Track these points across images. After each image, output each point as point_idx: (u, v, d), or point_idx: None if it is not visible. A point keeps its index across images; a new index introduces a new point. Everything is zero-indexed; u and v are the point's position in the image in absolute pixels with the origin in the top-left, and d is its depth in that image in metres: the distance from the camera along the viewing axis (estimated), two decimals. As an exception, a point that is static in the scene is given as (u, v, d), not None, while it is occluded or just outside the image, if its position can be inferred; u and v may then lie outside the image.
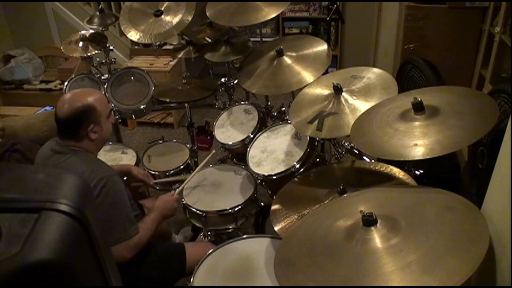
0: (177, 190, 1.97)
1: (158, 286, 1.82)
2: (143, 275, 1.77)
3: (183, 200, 2.08)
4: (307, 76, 1.96)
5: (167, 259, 1.85)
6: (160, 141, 2.66)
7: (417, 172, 1.54)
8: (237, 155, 2.33)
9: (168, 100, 2.48)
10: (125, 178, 2.18)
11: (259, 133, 2.13)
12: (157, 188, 2.44)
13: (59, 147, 1.64)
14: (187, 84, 2.47)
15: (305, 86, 1.92)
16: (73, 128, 1.62)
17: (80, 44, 2.70)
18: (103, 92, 2.60)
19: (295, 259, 1.17)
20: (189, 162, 2.45)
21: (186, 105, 2.58)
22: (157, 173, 2.37)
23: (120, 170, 2.09)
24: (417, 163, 1.48)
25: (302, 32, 4.29)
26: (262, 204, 2.08)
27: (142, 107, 2.61)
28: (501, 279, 1.08)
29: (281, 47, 2.10)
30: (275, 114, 2.35)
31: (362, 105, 1.64)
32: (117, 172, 1.71)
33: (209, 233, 2.12)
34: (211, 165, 2.34)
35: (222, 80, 2.60)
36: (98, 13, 2.78)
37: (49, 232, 0.69)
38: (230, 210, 1.95)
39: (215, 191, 2.12)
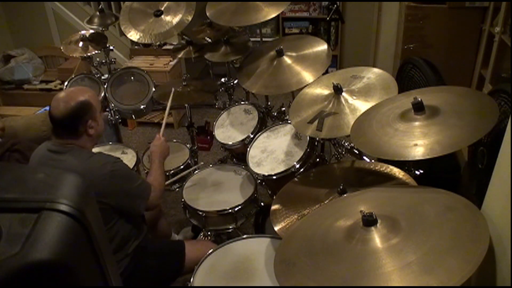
0: (161, 131, 2.12)
1: (157, 282, 1.83)
2: (142, 271, 1.78)
3: (183, 199, 2.08)
4: (307, 76, 1.96)
5: (166, 255, 1.86)
6: (160, 141, 2.65)
7: (417, 172, 1.54)
8: (237, 155, 2.33)
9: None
10: None
11: (259, 133, 2.13)
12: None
13: (56, 146, 1.65)
14: (187, 86, 2.47)
15: (305, 86, 1.92)
16: (72, 125, 1.63)
17: (80, 44, 2.69)
18: (103, 92, 2.61)
19: (295, 259, 1.17)
20: (189, 162, 2.45)
21: (186, 105, 2.58)
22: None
23: None
24: (417, 163, 1.48)
25: (302, 32, 4.29)
26: (262, 204, 2.08)
27: (142, 107, 2.61)
28: (501, 279, 1.08)
29: (281, 47, 2.10)
30: (275, 114, 2.35)
31: (362, 105, 1.64)
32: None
33: (209, 233, 2.13)
34: (211, 165, 2.34)
35: (222, 80, 2.60)
36: (98, 13, 2.78)
37: (49, 232, 0.69)
38: (230, 210, 1.96)
39: (215, 191, 2.12)
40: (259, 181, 2.02)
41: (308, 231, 1.28)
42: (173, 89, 2.31)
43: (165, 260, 1.85)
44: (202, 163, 2.40)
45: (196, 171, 2.30)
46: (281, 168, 1.86)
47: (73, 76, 2.69)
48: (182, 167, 2.40)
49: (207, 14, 2.28)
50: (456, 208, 1.11)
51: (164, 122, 2.22)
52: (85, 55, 2.67)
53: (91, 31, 2.77)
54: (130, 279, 1.74)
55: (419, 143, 1.24)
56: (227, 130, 2.28)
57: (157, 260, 1.82)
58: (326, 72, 1.98)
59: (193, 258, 1.80)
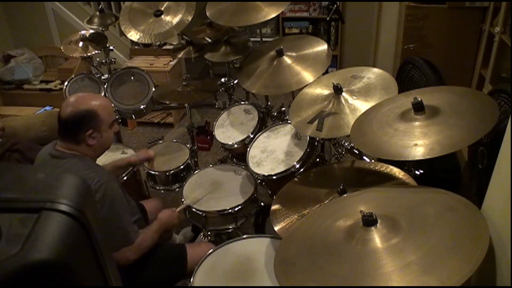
0: (180, 208, 2.00)
1: (158, 286, 1.82)
2: (144, 276, 1.77)
3: (183, 199, 2.08)
4: (307, 76, 1.96)
5: (168, 260, 1.85)
6: (160, 141, 2.66)
7: (417, 172, 1.54)
8: (237, 155, 2.33)
9: (168, 103, 2.48)
10: (125, 178, 2.19)
11: (259, 133, 2.13)
12: (158, 188, 2.44)
13: (57, 152, 1.63)
14: (187, 86, 2.47)
15: (305, 86, 1.92)
16: (72, 130, 1.61)
17: (80, 44, 2.70)
18: (103, 92, 2.61)
19: (295, 259, 1.17)
20: (189, 162, 2.45)
21: (186, 105, 2.58)
22: (157, 173, 2.36)
23: (120, 165, 2.11)
24: (417, 163, 1.48)
25: (302, 32, 4.29)
26: (262, 204, 2.09)
27: (142, 107, 2.62)
28: (501, 279, 1.08)
29: (281, 47, 2.10)
30: (275, 114, 2.35)
31: (362, 105, 1.64)
32: (115, 177, 1.70)
33: (209, 233, 2.13)
34: (211, 165, 2.34)
35: (222, 80, 2.60)
36: (98, 13, 2.78)
37: (49, 232, 0.69)
38: (230, 210, 1.96)
39: (215, 191, 2.12)
40: (259, 181, 2.02)
41: (308, 231, 1.28)
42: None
43: (167, 264, 1.84)
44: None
45: (196, 171, 2.30)
46: (281, 168, 1.86)
47: (73, 76, 2.69)
48: (182, 167, 2.40)
49: (207, 14, 2.28)
50: (456, 208, 1.11)
51: (183, 206, 2.04)
52: (85, 55, 2.67)
53: (91, 31, 2.77)
54: (133, 283, 1.74)
55: (419, 143, 1.24)
56: (227, 130, 2.28)
57: (159, 265, 1.81)
58: (326, 72, 1.98)
59: (194, 261, 1.79)
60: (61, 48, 2.77)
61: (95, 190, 1.54)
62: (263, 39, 2.68)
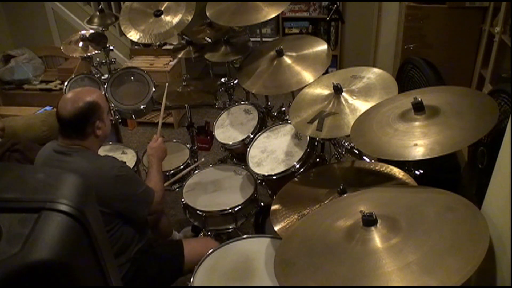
0: (158, 132, 2.10)
1: (157, 284, 1.82)
2: (142, 276, 1.77)
3: (183, 199, 2.08)
4: (307, 76, 1.96)
5: (166, 256, 1.86)
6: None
7: (417, 172, 1.54)
8: (237, 155, 2.33)
9: (167, 103, 2.48)
10: None
11: (259, 133, 2.13)
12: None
13: (62, 147, 1.64)
14: (187, 86, 2.47)
15: (305, 86, 1.92)
16: (80, 126, 1.63)
17: (80, 44, 2.70)
18: (103, 92, 2.61)
19: (295, 259, 1.17)
20: (189, 162, 2.46)
21: (186, 105, 2.58)
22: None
23: None
24: (417, 163, 1.48)
25: (302, 32, 4.29)
26: (262, 204, 2.09)
27: (142, 107, 2.62)
28: (501, 279, 1.08)
29: (281, 47, 2.10)
30: (275, 114, 2.35)
31: (362, 105, 1.64)
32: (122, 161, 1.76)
33: (209, 233, 2.13)
34: (211, 165, 2.34)
35: (222, 80, 2.60)
36: (98, 13, 2.78)
37: (49, 232, 0.69)
38: (230, 210, 1.96)
39: (215, 191, 2.12)
40: (259, 181, 2.02)
41: (308, 231, 1.28)
42: (166, 84, 2.29)
43: (165, 264, 1.84)
44: (202, 159, 2.41)
45: (196, 171, 2.30)
46: (281, 168, 1.86)
47: (73, 76, 2.69)
48: (182, 167, 2.40)
49: (207, 14, 2.28)
50: (456, 208, 1.11)
51: (160, 121, 2.20)
52: (85, 55, 2.67)
53: (91, 31, 2.77)
54: (130, 284, 1.74)
55: (419, 143, 1.24)
56: (227, 130, 2.28)
57: (157, 265, 1.82)
58: (326, 72, 1.98)
59: (192, 256, 1.80)
60: (61, 48, 2.77)
61: (112, 176, 1.62)
62: (263, 39, 2.68)
